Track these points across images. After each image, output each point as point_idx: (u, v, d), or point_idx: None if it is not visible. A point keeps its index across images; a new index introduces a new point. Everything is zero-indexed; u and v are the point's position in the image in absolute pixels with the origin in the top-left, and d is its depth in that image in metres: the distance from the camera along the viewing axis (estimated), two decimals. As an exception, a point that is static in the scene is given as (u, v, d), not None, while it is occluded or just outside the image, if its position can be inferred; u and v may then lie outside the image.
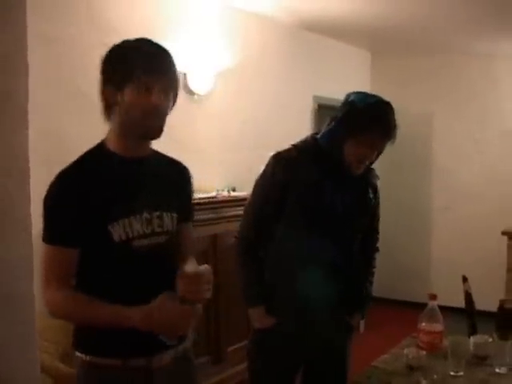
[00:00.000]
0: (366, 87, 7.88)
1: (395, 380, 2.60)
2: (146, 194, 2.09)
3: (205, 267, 2.02)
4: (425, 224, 7.73)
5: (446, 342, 2.77)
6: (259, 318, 2.90)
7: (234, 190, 4.82)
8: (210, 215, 3.58)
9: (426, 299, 2.91)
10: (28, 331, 2.38)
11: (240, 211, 3.07)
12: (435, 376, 2.53)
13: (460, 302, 3.47)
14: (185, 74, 4.84)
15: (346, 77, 7.28)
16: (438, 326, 2.83)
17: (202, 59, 4.88)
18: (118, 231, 2.01)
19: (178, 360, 2.19)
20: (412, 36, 6.67)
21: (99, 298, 1.98)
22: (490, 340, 2.81)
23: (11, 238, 2.24)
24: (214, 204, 3.42)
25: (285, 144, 2.88)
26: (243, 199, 3.35)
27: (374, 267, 3.16)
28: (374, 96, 2.93)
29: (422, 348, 2.78)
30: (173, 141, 4.48)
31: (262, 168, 2.89)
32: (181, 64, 4.70)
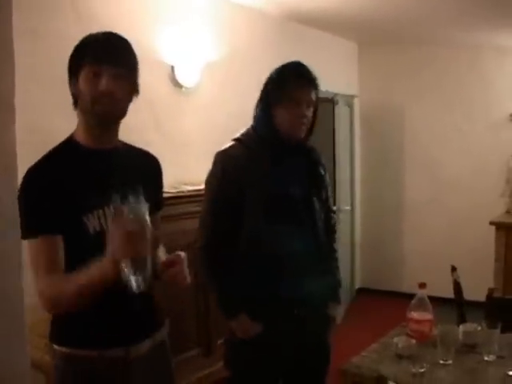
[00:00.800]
0: (353, 78, 7.90)
1: (385, 369, 2.61)
2: (118, 184, 2.02)
3: (180, 253, 2.09)
4: (413, 215, 7.75)
5: (435, 331, 2.79)
6: (244, 327, 2.79)
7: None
8: (198, 208, 3.56)
9: (414, 290, 2.92)
10: (17, 326, 2.38)
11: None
12: (424, 364, 2.55)
13: (449, 293, 3.49)
14: (172, 67, 4.83)
15: (334, 68, 7.28)
16: (428, 315, 2.84)
17: (189, 52, 4.87)
18: (92, 223, 2.02)
19: (155, 348, 2.20)
20: (399, 27, 6.67)
21: None
22: (479, 328, 2.83)
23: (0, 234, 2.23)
24: (201, 197, 3.40)
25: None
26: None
27: (337, 251, 3.10)
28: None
29: (411, 337, 2.79)
30: (160, 133, 4.51)
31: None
32: (168, 56, 4.73)
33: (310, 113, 2.76)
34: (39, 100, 3.76)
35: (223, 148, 2.84)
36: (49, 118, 3.83)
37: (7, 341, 2.32)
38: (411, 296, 2.94)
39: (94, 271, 1.90)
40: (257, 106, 2.85)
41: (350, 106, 7.66)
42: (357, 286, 7.89)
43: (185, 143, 4.84)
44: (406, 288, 6.70)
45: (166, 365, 2.32)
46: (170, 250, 2.30)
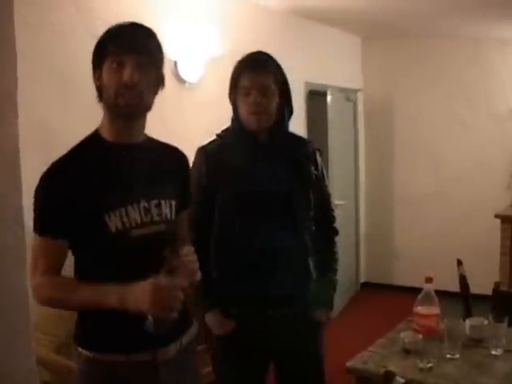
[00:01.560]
0: (356, 72, 7.88)
1: (392, 364, 2.60)
2: (143, 181, 2.05)
3: (188, 247, 2.02)
4: (417, 209, 7.72)
5: (441, 326, 2.78)
6: (217, 323, 2.79)
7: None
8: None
9: (419, 284, 2.90)
10: (22, 323, 2.36)
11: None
12: (432, 359, 2.54)
13: (454, 287, 3.48)
14: (175, 62, 4.80)
15: (337, 62, 7.27)
16: (434, 309, 2.83)
17: (192, 47, 4.85)
18: (114, 221, 1.97)
19: (182, 351, 2.15)
20: (401, 21, 6.65)
21: None
22: (486, 322, 2.82)
23: (2, 229, 2.21)
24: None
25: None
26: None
27: (335, 252, 3.00)
28: None
29: (418, 331, 2.78)
30: (164, 129, 4.49)
31: None
32: (171, 52, 4.70)
33: (266, 100, 2.67)
34: (39, 94, 3.72)
35: (203, 143, 2.84)
36: (49, 112, 3.82)
37: (12, 338, 2.30)
38: (416, 290, 2.93)
39: (109, 299, 1.90)
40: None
41: (353, 100, 7.64)
42: (361, 280, 7.88)
43: (188, 138, 4.78)
44: (411, 282, 6.67)
45: (192, 367, 2.28)
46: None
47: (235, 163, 2.71)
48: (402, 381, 2.21)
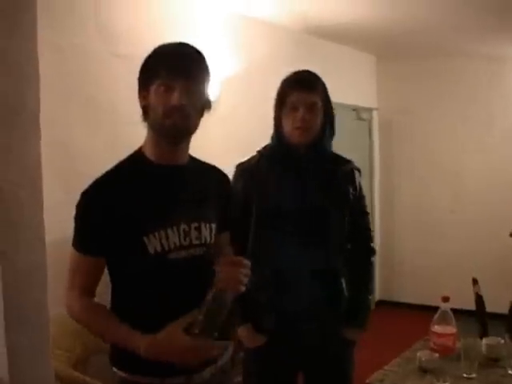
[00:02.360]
0: (371, 91, 7.91)
1: (408, 383, 2.60)
2: (184, 204, 2.04)
3: (242, 258, 1.99)
4: (433, 227, 7.72)
5: (458, 345, 2.77)
6: (249, 337, 2.85)
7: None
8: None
9: (435, 302, 2.91)
10: (41, 340, 2.37)
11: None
12: (448, 378, 2.54)
13: (470, 305, 3.48)
14: (192, 81, 4.85)
15: (352, 81, 7.30)
16: (451, 329, 2.83)
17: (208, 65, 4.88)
18: (153, 243, 1.96)
19: (217, 374, 2.13)
20: (417, 39, 6.69)
21: (131, 311, 1.98)
22: (502, 342, 2.82)
23: (24, 247, 2.23)
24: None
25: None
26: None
27: (370, 272, 3.04)
28: None
29: (434, 350, 2.78)
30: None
31: None
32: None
33: (312, 116, 2.75)
34: (60, 114, 3.77)
35: (241, 160, 2.92)
36: (69, 131, 3.87)
37: (32, 353, 2.31)
38: (431, 309, 2.93)
39: (128, 343, 1.92)
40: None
41: (366, 118, 7.67)
42: (376, 299, 7.86)
43: (205, 157, 4.86)
44: (426, 301, 6.64)
45: None
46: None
47: (271, 179, 2.78)
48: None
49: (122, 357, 2.06)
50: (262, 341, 2.83)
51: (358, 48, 7.38)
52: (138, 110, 2.07)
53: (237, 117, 5.43)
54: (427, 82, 7.66)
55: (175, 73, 1.96)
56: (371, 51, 7.70)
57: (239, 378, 2.98)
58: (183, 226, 2.04)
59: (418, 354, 2.74)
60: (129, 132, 2.28)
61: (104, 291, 2.15)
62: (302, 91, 2.76)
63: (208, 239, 2.12)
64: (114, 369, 2.09)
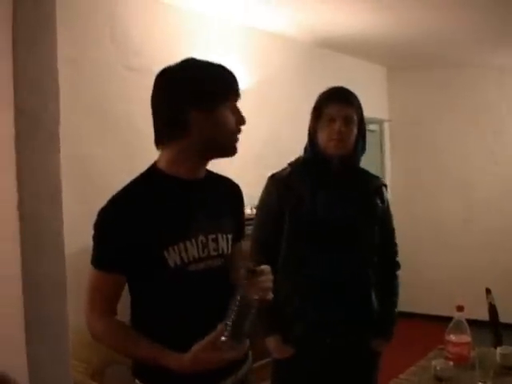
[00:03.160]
0: (382, 102, 7.93)
1: (424, 392, 2.61)
2: (202, 216, 2.05)
3: (265, 266, 1.99)
4: (446, 237, 7.71)
5: (472, 354, 2.78)
6: (277, 347, 2.87)
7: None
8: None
9: (449, 312, 2.92)
10: (61, 351, 2.41)
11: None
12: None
13: (484, 315, 3.48)
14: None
15: (363, 92, 7.25)
16: (466, 338, 2.83)
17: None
18: (173, 256, 1.96)
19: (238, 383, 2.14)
20: (427, 50, 6.71)
21: (153, 325, 1.98)
22: (516, 350, 2.82)
23: (45, 259, 2.28)
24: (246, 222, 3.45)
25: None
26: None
27: (396, 285, 3.07)
28: None
29: (449, 359, 2.78)
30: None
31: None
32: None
33: (348, 129, 2.82)
34: (76, 127, 3.82)
35: (273, 172, 2.97)
36: (85, 145, 3.92)
37: (52, 365, 2.35)
38: (445, 319, 2.94)
39: (158, 363, 1.92)
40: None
41: (376, 130, 7.69)
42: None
43: (220, 169, 4.90)
44: (439, 311, 6.63)
45: None
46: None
47: (304, 190, 2.81)
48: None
49: (144, 369, 2.06)
50: (289, 352, 2.84)
51: (368, 59, 7.40)
52: (152, 123, 2.08)
53: (250, 129, 5.45)
54: (438, 93, 7.67)
55: (239, 95, 2.10)
56: (381, 62, 7.72)
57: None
58: (201, 238, 2.05)
59: (433, 363, 2.74)
60: (144, 145, 2.31)
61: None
62: (339, 103, 2.83)
63: (225, 250, 2.13)
64: (137, 381, 2.08)
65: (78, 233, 2.57)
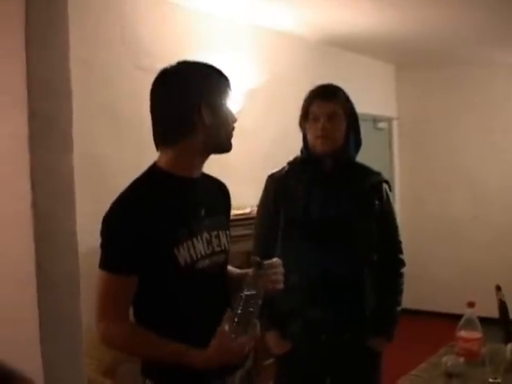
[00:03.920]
0: (391, 100, 7.93)
1: (435, 388, 2.62)
2: (204, 214, 2.10)
3: (276, 259, 2.11)
4: (455, 234, 7.71)
5: (483, 350, 2.79)
6: (275, 343, 2.92)
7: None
8: (245, 231, 3.62)
9: (459, 310, 2.92)
10: (75, 348, 2.43)
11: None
12: (474, 383, 2.56)
13: (494, 313, 3.47)
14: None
15: (372, 90, 7.32)
16: (477, 334, 2.84)
17: (230, 78, 4.95)
18: (182, 254, 1.99)
19: (244, 376, 2.19)
20: (435, 48, 6.71)
21: (163, 324, 1.99)
22: (527, 347, 2.82)
23: (59, 258, 2.30)
24: (248, 220, 3.45)
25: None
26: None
27: (399, 283, 3.04)
28: None
29: (460, 355, 2.79)
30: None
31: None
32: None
33: (333, 125, 2.81)
34: (87, 127, 3.83)
35: (272, 171, 3.00)
36: (97, 144, 3.94)
37: (66, 364, 2.37)
38: (455, 316, 2.94)
39: (181, 361, 1.94)
40: None
41: (384, 128, 7.70)
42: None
43: (228, 168, 4.91)
44: (449, 308, 6.63)
45: None
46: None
47: (298, 188, 2.84)
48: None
49: (155, 368, 2.08)
50: (287, 347, 2.88)
51: (376, 57, 7.41)
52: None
53: (259, 128, 5.49)
54: (447, 91, 7.67)
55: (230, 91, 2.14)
56: (390, 60, 7.73)
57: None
58: (205, 235, 2.09)
59: (444, 359, 2.75)
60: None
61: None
62: (322, 101, 2.84)
63: (227, 245, 2.20)
64: (148, 380, 2.09)
65: (90, 232, 2.58)
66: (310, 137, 2.86)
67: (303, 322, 2.84)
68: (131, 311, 2.06)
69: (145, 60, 4.25)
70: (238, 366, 2.11)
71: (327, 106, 2.82)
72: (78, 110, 2.94)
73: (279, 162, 3.04)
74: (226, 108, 2.09)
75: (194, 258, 2.03)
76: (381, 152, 7.69)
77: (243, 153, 5.15)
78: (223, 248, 2.17)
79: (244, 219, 4.29)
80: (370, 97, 7.19)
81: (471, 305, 2.86)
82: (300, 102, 2.97)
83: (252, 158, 5.31)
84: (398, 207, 7.79)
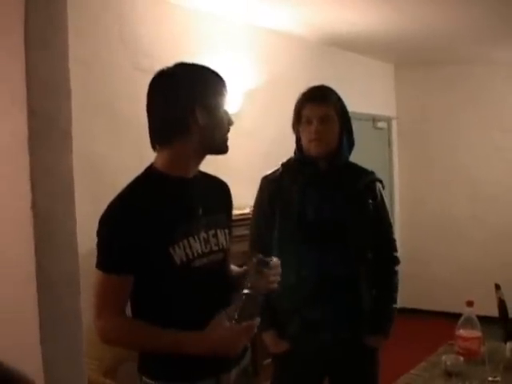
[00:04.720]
0: (390, 99, 7.94)
1: (434, 386, 2.62)
2: (201, 213, 2.12)
3: (275, 259, 2.11)
4: (454, 233, 7.72)
5: (482, 349, 2.79)
6: (272, 343, 2.94)
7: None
8: (244, 231, 3.62)
9: (458, 309, 2.93)
10: (76, 348, 2.43)
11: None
12: (474, 381, 2.56)
13: (493, 312, 3.48)
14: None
15: (371, 90, 7.33)
16: (476, 332, 2.84)
17: (229, 79, 4.95)
18: (178, 253, 2.01)
19: (241, 374, 2.20)
20: (434, 47, 6.72)
21: (159, 320, 2.00)
22: (526, 345, 2.83)
23: (59, 258, 2.30)
24: (247, 220, 3.48)
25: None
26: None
27: (394, 281, 3.06)
28: None
29: (459, 354, 2.80)
30: (205, 159, 4.60)
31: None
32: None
33: (326, 128, 2.83)
34: (86, 127, 3.81)
35: (267, 172, 3.02)
36: (97, 144, 3.95)
37: (66, 364, 2.37)
38: (455, 315, 2.95)
39: (181, 347, 1.97)
40: None
41: (382, 127, 7.70)
42: (399, 306, 7.81)
43: (227, 168, 4.91)
44: (448, 307, 6.63)
45: None
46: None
47: (293, 190, 2.86)
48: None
49: (150, 365, 2.11)
50: (285, 347, 2.90)
51: (375, 57, 7.42)
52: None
53: (258, 128, 5.49)
54: (446, 90, 7.68)
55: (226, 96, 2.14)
56: (389, 60, 7.73)
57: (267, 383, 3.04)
58: (203, 235, 2.12)
59: (443, 358, 2.75)
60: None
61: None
62: (314, 104, 2.86)
63: (225, 244, 2.21)
64: (144, 378, 2.11)
65: (89, 232, 2.58)
66: (303, 140, 2.89)
67: (301, 322, 2.86)
68: (130, 310, 2.09)
69: (144, 60, 4.26)
70: (233, 363, 2.13)
71: (320, 109, 2.84)
72: (76, 110, 2.94)
73: (278, 162, 3.04)
74: (222, 110, 2.10)
75: (190, 257, 2.05)
76: (380, 151, 7.70)
77: (242, 153, 5.15)
78: (221, 247, 2.18)
79: (243, 219, 4.29)
80: (369, 96, 7.20)
81: (470, 304, 2.87)
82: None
83: (251, 158, 5.32)
84: (397, 206, 7.82)
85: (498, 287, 3.57)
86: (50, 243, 2.25)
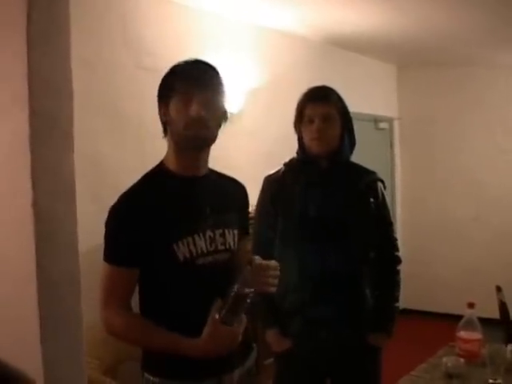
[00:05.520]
0: (392, 100, 7.93)
1: (435, 388, 2.62)
2: (209, 212, 2.13)
3: (273, 262, 2.11)
4: (457, 235, 7.71)
5: (483, 351, 2.79)
6: (275, 341, 2.96)
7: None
8: (248, 230, 3.66)
9: (459, 311, 2.92)
10: (76, 347, 2.42)
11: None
12: (474, 383, 2.56)
13: (494, 314, 3.47)
14: (216, 93, 4.92)
15: (373, 90, 7.33)
16: (477, 334, 2.84)
17: (232, 78, 4.95)
18: (182, 250, 2.04)
19: (244, 375, 2.21)
20: (437, 49, 6.71)
21: (162, 316, 2.04)
22: (527, 348, 2.82)
23: (59, 258, 2.29)
24: (250, 220, 3.48)
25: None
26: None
27: (396, 280, 3.08)
28: None
29: (460, 356, 2.79)
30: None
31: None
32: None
33: (327, 127, 2.86)
34: (88, 126, 3.83)
35: (270, 172, 3.05)
36: (97, 144, 3.95)
37: (66, 363, 2.36)
38: (456, 317, 2.95)
39: (179, 350, 1.99)
40: None
41: (384, 128, 7.70)
42: (401, 307, 7.80)
43: (230, 168, 4.91)
44: (449, 309, 6.63)
45: None
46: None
47: (295, 189, 2.88)
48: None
49: (154, 362, 2.13)
50: (287, 345, 2.91)
51: (377, 58, 7.41)
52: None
53: (261, 128, 5.49)
54: (448, 91, 7.67)
55: (192, 86, 2.07)
56: (391, 61, 7.73)
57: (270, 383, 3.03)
58: (209, 233, 2.13)
59: (444, 360, 2.75)
60: (156, 144, 2.34)
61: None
62: (316, 103, 2.89)
63: (232, 244, 2.22)
64: (146, 375, 2.13)
65: (90, 231, 2.59)
66: (305, 139, 2.91)
67: (303, 321, 2.87)
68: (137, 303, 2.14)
69: (147, 59, 4.26)
70: (236, 363, 2.15)
71: (321, 108, 2.87)
72: (79, 109, 2.94)
73: (280, 162, 3.05)
74: (177, 104, 2.08)
75: (194, 254, 2.08)
76: (382, 152, 7.70)
77: (245, 152, 5.16)
78: (228, 247, 2.20)
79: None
80: (371, 97, 7.19)
81: (471, 305, 2.87)
82: (302, 102, 2.98)
83: (254, 157, 5.32)
84: (398, 207, 7.81)
85: (499, 289, 3.57)
86: (50, 242, 2.25)
